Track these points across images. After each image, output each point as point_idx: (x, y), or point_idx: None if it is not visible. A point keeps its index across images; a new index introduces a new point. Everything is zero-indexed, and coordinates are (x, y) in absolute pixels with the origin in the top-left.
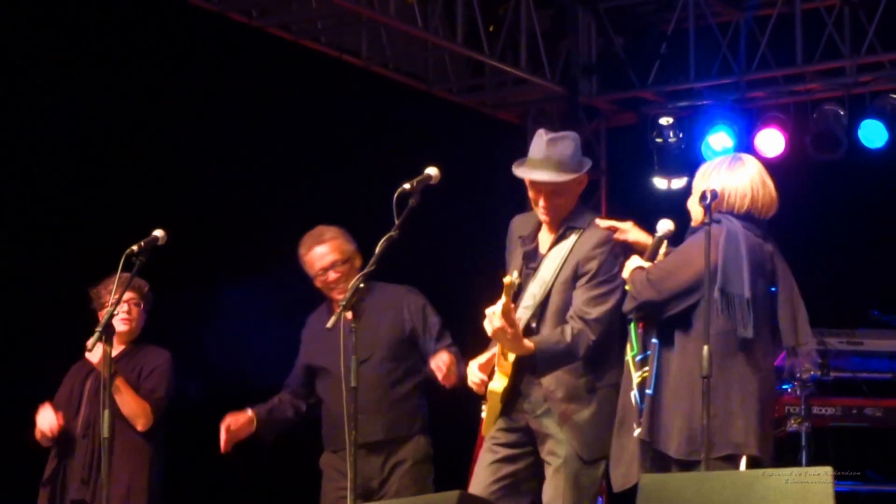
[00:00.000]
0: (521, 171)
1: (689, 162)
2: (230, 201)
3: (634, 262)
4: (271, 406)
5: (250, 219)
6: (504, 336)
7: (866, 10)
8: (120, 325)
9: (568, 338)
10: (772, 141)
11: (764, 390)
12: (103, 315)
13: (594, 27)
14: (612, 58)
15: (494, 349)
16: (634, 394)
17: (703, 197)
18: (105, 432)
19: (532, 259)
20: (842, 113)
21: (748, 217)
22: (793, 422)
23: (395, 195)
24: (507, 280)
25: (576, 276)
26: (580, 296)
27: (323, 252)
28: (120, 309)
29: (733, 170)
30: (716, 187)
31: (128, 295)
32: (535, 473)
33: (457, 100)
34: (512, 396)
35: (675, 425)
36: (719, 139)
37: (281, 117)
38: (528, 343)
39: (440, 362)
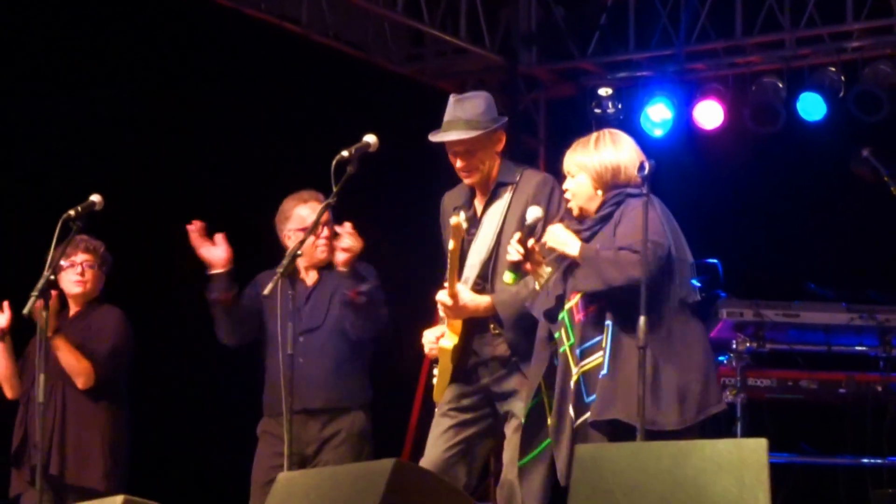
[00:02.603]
0: (434, 136)
1: (627, 133)
2: (168, 168)
3: (568, 234)
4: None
5: (185, 187)
6: (459, 308)
7: None
8: (73, 287)
9: (530, 285)
10: (711, 113)
11: (710, 348)
12: (60, 279)
13: None
14: (552, 28)
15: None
16: (577, 382)
17: (640, 168)
18: (40, 397)
19: (472, 225)
20: (780, 85)
21: (637, 186)
22: (728, 393)
23: (333, 163)
24: (453, 221)
25: (530, 226)
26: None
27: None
28: (73, 271)
29: (619, 144)
30: (607, 163)
31: (82, 257)
32: (491, 434)
33: (396, 69)
34: (463, 356)
35: (665, 398)
36: (658, 110)
37: (219, 86)
38: (485, 300)
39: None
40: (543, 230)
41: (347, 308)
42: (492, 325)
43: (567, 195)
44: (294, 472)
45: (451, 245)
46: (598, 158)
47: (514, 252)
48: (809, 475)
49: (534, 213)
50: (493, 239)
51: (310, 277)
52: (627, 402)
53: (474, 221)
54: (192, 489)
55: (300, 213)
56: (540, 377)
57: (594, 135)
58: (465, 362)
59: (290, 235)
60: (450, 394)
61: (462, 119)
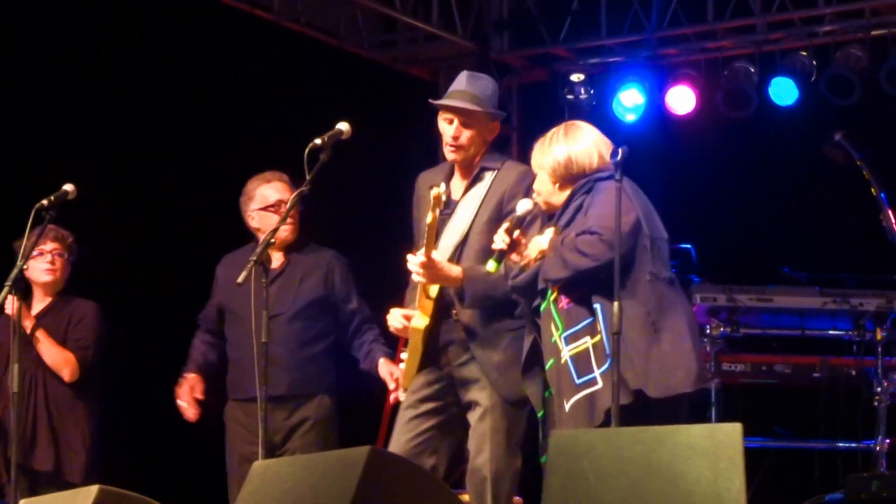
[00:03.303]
0: (439, 100)
1: (600, 119)
2: (138, 155)
3: (546, 237)
4: (203, 360)
5: (157, 173)
6: (432, 269)
7: None
8: (43, 275)
9: (502, 272)
10: (683, 98)
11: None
12: (28, 269)
13: None
14: (524, 14)
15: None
16: (565, 366)
17: (613, 154)
18: (15, 387)
19: (446, 206)
20: (752, 70)
21: (604, 171)
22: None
23: (307, 150)
24: (434, 191)
25: (499, 216)
26: None
27: (283, 186)
28: (43, 260)
29: (572, 136)
30: (559, 157)
31: (51, 246)
32: (458, 427)
33: (368, 55)
34: (432, 340)
35: (676, 366)
36: (630, 96)
37: (191, 73)
38: (456, 270)
39: (388, 373)
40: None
41: None
42: (454, 311)
43: (534, 194)
44: (269, 460)
45: (429, 217)
46: (550, 155)
47: (500, 241)
48: (784, 459)
49: (524, 205)
50: (467, 224)
51: (276, 259)
52: (635, 371)
53: (449, 204)
54: (167, 479)
55: (263, 193)
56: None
57: (552, 130)
58: (432, 346)
59: (253, 216)
60: (416, 383)
61: (470, 93)
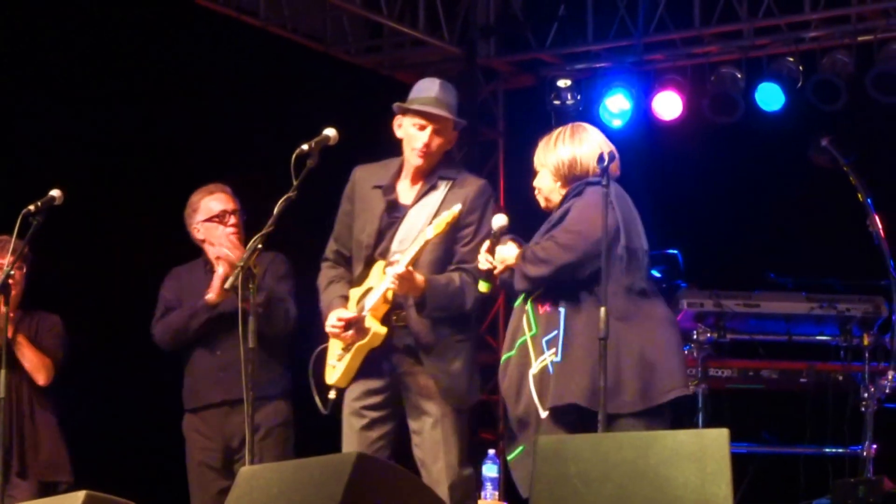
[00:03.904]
0: (426, 107)
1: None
2: (124, 162)
3: (511, 248)
4: None
5: (145, 179)
6: (408, 280)
7: None
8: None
9: (457, 282)
10: (669, 103)
11: (678, 333)
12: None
13: None
14: (511, 19)
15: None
16: (541, 372)
17: (600, 159)
18: (1, 392)
19: (395, 209)
20: (739, 76)
21: (598, 176)
22: (689, 384)
23: (294, 156)
24: (452, 211)
25: (456, 229)
26: (466, 251)
27: (226, 198)
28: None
29: (578, 137)
30: (564, 157)
31: (8, 259)
32: (399, 434)
33: (355, 61)
34: (378, 347)
35: (624, 380)
36: (617, 101)
37: (179, 78)
38: (420, 279)
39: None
40: (476, 236)
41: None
42: (394, 317)
43: (535, 191)
44: (256, 466)
45: (430, 232)
46: (554, 154)
47: (484, 262)
48: (771, 464)
49: (499, 220)
50: (421, 235)
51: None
52: (581, 384)
53: (398, 208)
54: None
55: (207, 205)
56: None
57: (557, 130)
58: (377, 351)
59: (198, 228)
60: (358, 390)
61: (446, 102)
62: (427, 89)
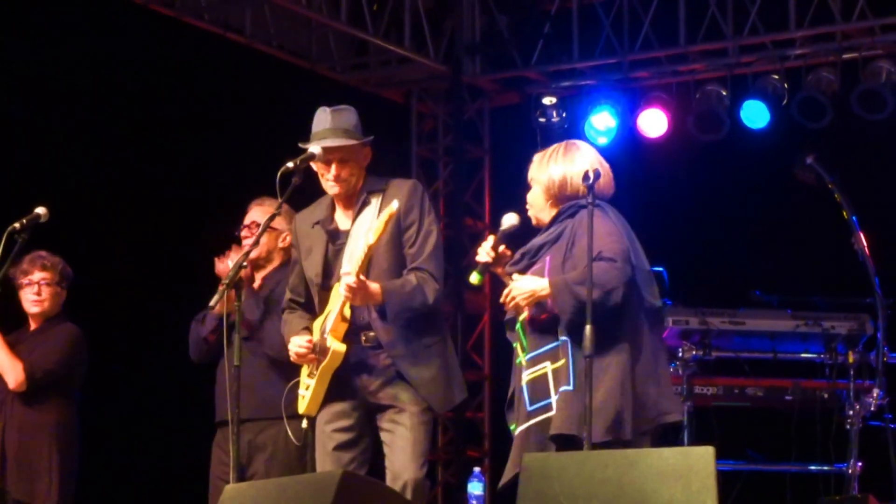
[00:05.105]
0: (312, 146)
1: None
2: (110, 179)
3: (532, 280)
4: None
5: (131, 195)
6: (361, 290)
7: None
8: (32, 306)
9: (413, 281)
10: (655, 121)
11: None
12: (20, 296)
13: (478, 6)
14: (496, 37)
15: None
16: (521, 390)
17: (585, 177)
18: None
19: (336, 237)
20: (724, 93)
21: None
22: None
23: (279, 173)
24: (387, 212)
25: (398, 231)
26: (414, 252)
27: (259, 211)
28: (31, 290)
29: (570, 156)
30: (555, 176)
31: (39, 275)
32: (374, 452)
33: (340, 78)
34: (343, 365)
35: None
36: (602, 119)
37: (164, 94)
38: (375, 286)
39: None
40: (419, 233)
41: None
42: (363, 338)
43: (527, 206)
44: (241, 483)
45: (371, 237)
46: (546, 172)
47: (484, 254)
48: (757, 482)
49: (509, 219)
50: (366, 246)
51: (258, 280)
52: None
53: (338, 235)
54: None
55: (249, 215)
56: None
57: (552, 147)
58: (342, 371)
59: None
60: (328, 413)
61: (340, 128)
62: (320, 122)
